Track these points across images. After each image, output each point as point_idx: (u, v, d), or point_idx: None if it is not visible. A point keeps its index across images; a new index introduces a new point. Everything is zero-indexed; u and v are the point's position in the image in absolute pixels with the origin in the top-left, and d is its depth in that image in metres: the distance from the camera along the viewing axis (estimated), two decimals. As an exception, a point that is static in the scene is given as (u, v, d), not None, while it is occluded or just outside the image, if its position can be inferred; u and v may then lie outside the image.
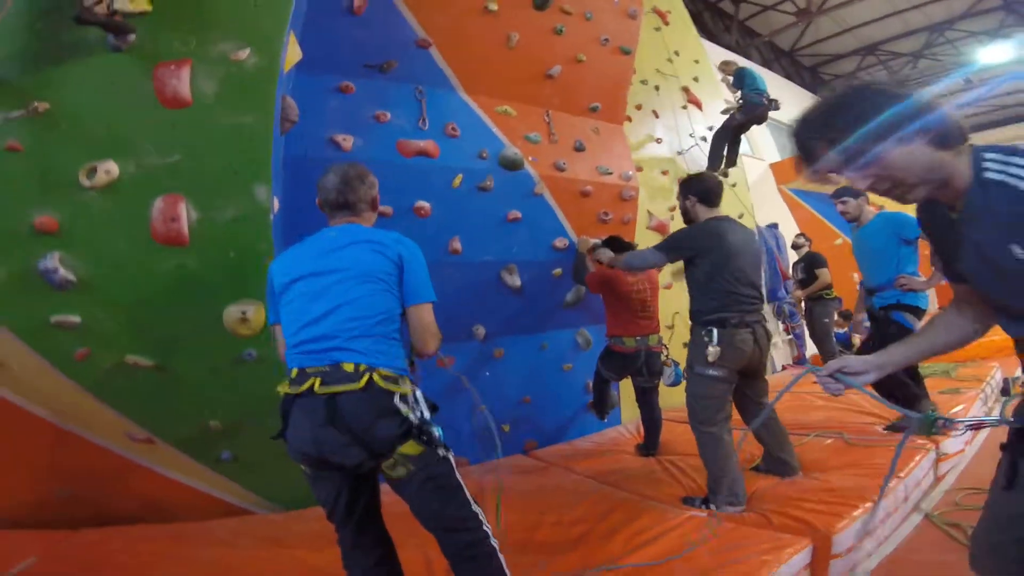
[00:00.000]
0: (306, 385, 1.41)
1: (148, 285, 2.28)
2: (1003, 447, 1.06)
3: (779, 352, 6.47)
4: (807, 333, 5.95)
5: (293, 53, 2.35)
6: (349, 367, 1.40)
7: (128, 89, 2.07)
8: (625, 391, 4.27)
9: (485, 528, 1.47)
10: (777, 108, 5.15)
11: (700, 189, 2.65)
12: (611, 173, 3.92)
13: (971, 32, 13.28)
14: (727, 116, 5.27)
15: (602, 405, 3.73)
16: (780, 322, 6.35)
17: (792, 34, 13.65)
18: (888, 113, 0.95)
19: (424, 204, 3.12)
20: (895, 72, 15.37)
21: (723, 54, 8.04)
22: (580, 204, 3.78)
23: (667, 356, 3.41)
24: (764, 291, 2.75)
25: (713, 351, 2.40)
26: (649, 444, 3.38)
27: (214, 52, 2.14)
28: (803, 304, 5.81)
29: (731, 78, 5.41)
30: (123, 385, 2.30)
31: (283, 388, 1.49)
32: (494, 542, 1.46)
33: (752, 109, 5.10)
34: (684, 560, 1.85)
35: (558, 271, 3.75)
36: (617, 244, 3.34)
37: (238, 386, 2.53)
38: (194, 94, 2.13)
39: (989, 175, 0.92)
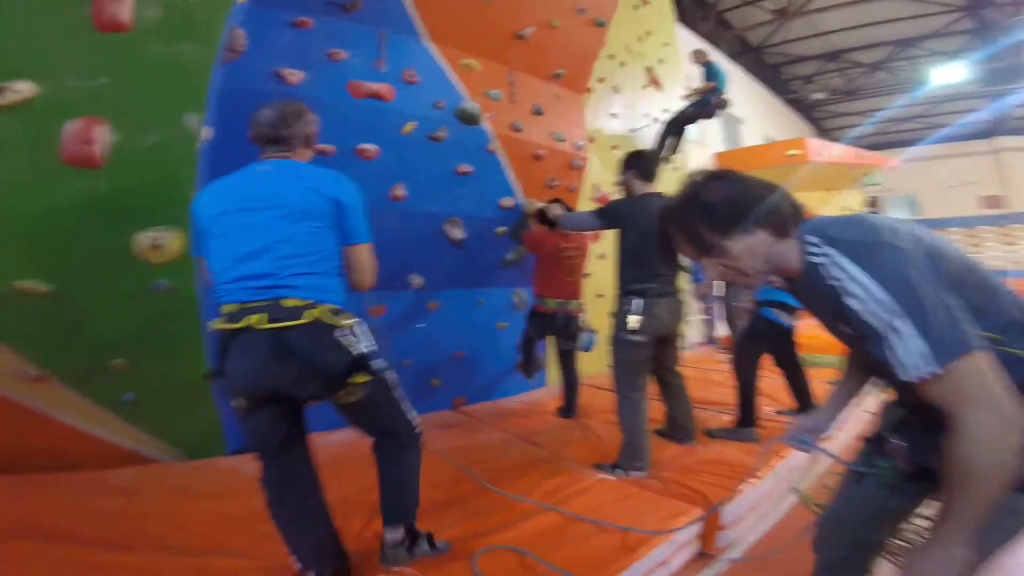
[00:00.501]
0: (246, 321, 1.40)
1: (47, 206, 2.06)
2: (865, 439, 1.17)
3: (694, 330, 6.92)
4: (720, 316, 6.39)
5: (246, -24, 2.09)
6: (291, 302, 1.42)
7: (59, 11, 1.86)
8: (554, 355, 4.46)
9: (416, 429, 1.64)
10: (726, 107, 5.42)
11: (639, 164, 2.74)
12: (564, 140, 3.89)
13: (933, 52, 13.84)
14: (685, 104, 5.46)
15: (529, 365, 3.82)
16: (699, 302, 6.75)
17: (763, 31, 13.72)
18: (728, 206, 0.99)
19: (370, 147, 2.96)
20: (851, 80, 15.89)
21: (694, 41, 7.94)
22: (531, 167, 3.74)
23: (584, 322, 3.51)
24: (686, 267, 2.86)
25: (634, 319, 2.54)
26: (568, 406, 3.54)
27: None
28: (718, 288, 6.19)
29: (703, 67, 5.52)
30: (11, 315, 2.10)
31: (219, 324, 1.45)
32: (419, 431, 1.65)
33: (705, 105, 5.37)
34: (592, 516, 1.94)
35: (501, 229, 3.74)
36: (558, 204, 3.40)
37: (146, 320, 2.40)
38: (135, 19, 1.92)
39: (810, 258, 0.95)
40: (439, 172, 3.30)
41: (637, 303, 2.54)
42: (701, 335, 7.15)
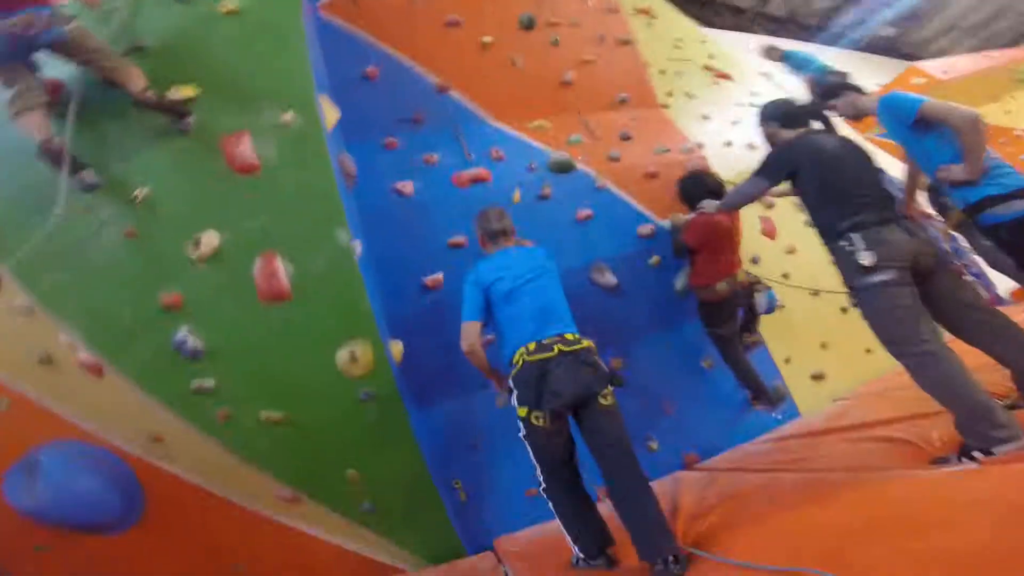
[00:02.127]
0: (556, 350, 2.07)
1: (265, 342, 2.42)
2: None
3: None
4: (987, 267, 4.79)
5: (331, 112, 2.73)
6: (571, 336, 2.13)
7: (203, 165, 2.43)
8: (795, 375, 3.61)
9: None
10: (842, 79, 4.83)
11: (777, 113, 2.56)
12: (668, 151, 3.84)
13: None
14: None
15: (763, 393, 3.27)
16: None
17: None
18: None
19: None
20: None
21: (727, 36, 7.98)
22: (650, 186, 3.67)
23: (756, 282, 3.24)
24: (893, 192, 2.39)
25: (866, 254, 2.02)
26: (757, 391, 3.24)
27: (263, 120, 2.50)
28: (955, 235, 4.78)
29: (783, 63, 4.99)
30: (263, 442, 2.36)
31: (533, 357, 2.07)
32: None
33: (827, 92, 4.85)
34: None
35: (655, 259, 3.50)
36: (703, 183, 3.29)
37: (364, 429, 2.51)
38: (261, 159, 2.45)
39: None
40: (560, 226, 3.37)
41: (856, 238, 2.07)
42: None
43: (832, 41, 13.47)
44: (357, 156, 3.00)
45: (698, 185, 3.36)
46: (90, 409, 2.31)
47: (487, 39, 3.60)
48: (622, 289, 3.35)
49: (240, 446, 2.34)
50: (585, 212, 3.42)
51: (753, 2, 12.53)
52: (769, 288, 3.21)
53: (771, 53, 5.23)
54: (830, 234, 2.18)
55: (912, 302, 1.99)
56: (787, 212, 4.11)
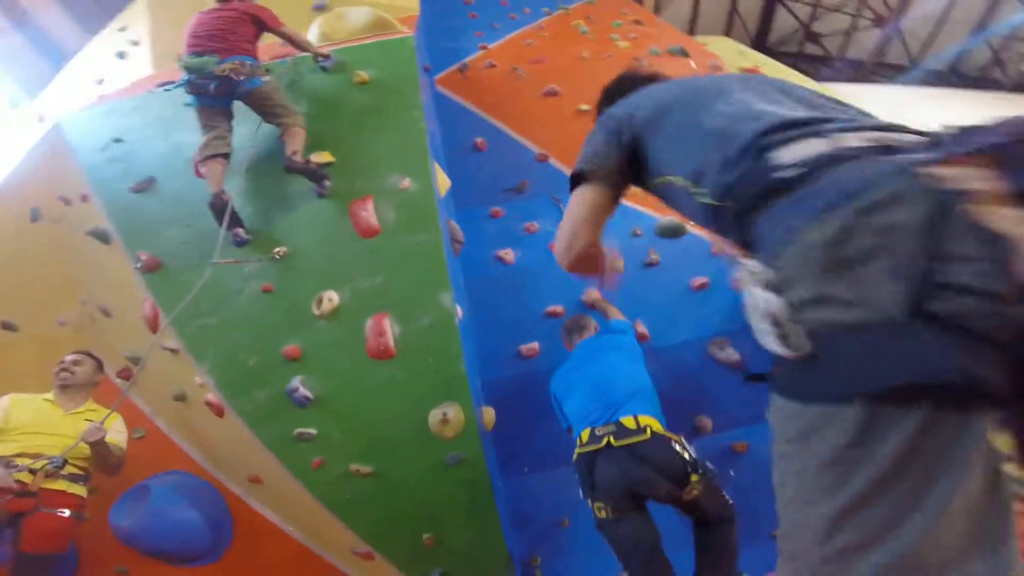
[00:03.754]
0: (601, 444, 2.05)
1: (367, 397, 2.52)
2: None
3: None
4: None
5: (443, 179, 2.90)
6: (631, 424, 2.09)
7: (335, 226, 2.66)
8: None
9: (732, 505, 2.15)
10: None
11: None
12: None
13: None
14: None
15: None
16: None
17: (898, 48, 11.73)
18: None
19: (594, 293, 3.15)
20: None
21: (845, 89, 7.52)
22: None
23: None
24: None
25: None
26: None
27: (386, 185, 2.71)
28: None
29: None
30: (348, 494, 2.41)
31: (579, 447, 2.15)
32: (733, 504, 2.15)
33: None
34: None
35: (785, 333, 3.23)
36: None
37: (446, 493, 2.49)
38: (380, 222, 2.66)
39: None
40: (672, 296, 3.22)
41: None
42: None
43: (967, 85, 12.34)
44: (465, 223, 3.15)
45: None
46: (206, 445, 2.51)
47: (584, 107, 3.69)
48: (745, 365, 3.10)
49: (325, 494, 2.42)
50: (701, 280, 3.25)
51: (868, 54, 12.00)
52: None
53: None
54: None
55: None
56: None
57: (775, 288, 0.76)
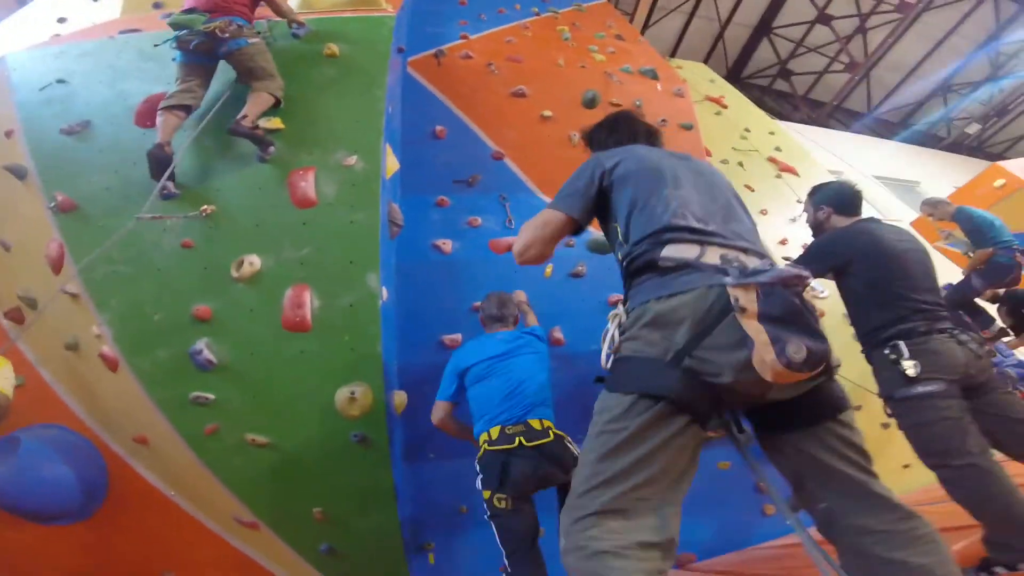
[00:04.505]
0: (514, 444, 2.22)
1: (274, 367, 2.47)
2: None
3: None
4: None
5: (392, 162, 2.87)
6: (538, 425, 2.28)
7: (270, 193, 2.60)
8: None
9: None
10: None
11: (833, 196, 2.29)
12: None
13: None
14: (961, 280, 4.12)
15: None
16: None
17: (860, 94, 12.72)
18: None
19: (521, 295, 3.19)
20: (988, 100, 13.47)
21: (802, 130, 7.74)
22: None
23: None
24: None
25: (910, 363, 1.87)
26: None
27: (331, 160, 2.67)
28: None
29: (954, 220, 4.11)
30: (239, 463, 2.37)
31: (486, 444, 2.27)
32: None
33: (998, 272, 3.78)
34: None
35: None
36: None
37: (344, 472, 2.47)
38: (319, 195, 2.61)
39: None
40: (589, 308, 3.33)
41: (902, 347, 1.92)
42: None
43: (914, 139, 13.17)
44: (410, 208, 3.13)
45: None
46: (92, 400, 2.41)
47: (547, 113, 3.74)
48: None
49: (215, 461, 2.38)
50: (615, 297, 3.37)
51: (831, 96, 12.60)
52: None
53: (935, 208, 4.30)
54: (871, 340, 2.00)
55: (959, 415, 1.84)
56: (832, 320, 3.87)
57: (620, 328, 1.30)
